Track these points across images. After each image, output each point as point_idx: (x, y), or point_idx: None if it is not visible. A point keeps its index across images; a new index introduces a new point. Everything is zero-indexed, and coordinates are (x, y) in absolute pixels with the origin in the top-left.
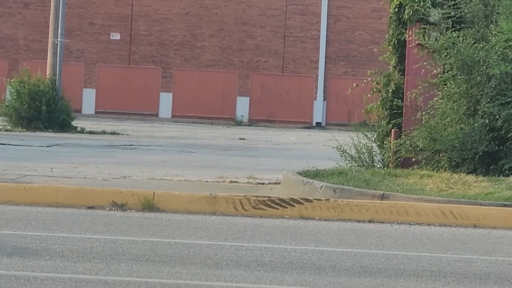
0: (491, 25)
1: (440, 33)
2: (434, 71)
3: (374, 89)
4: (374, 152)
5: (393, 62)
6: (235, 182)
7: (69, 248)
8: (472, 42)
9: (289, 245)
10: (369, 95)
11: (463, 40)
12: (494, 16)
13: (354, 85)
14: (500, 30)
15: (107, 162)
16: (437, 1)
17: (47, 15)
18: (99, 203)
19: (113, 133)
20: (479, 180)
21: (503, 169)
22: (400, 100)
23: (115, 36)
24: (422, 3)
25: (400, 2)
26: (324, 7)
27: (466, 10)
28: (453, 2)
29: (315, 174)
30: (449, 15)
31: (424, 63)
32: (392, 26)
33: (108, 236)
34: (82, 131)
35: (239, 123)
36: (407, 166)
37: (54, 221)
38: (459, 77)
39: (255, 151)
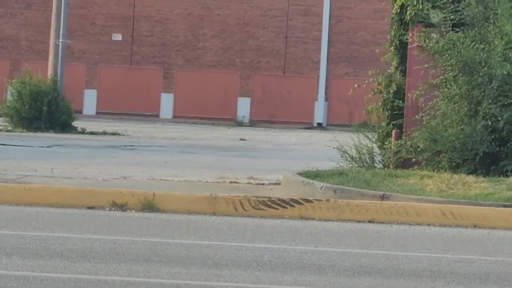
0: (491, 26)
1: (441, 35)
2: (433, 71)
3: (376, 90)
4: (374, 153)
5: (394, 63)
6: (235, 182)
7: (69, 248)
8: (473, 44)
9: (289, 245)
10: (370, 95)
11: (463, 41)
12: (492, 18)
13: (356, 85)
14: (501, 32)
15: (107, 163)
16: (436, 4)
17: (49, 15)
18: (99, 204)
19: (114, 134)
20: (479, 180)
21: (504, 170)
22: (401, 101)
23: (117, 36)
24: (421, 6)
25: (402, 3)
26: (326, 8)
27: (465, 13)
28: (452, 6)
29: (316, 175)
30: (449, 17)
31: (425, 65)
32: (394, 27)
33: (108, 236)
34: (83, 131)
35: (240, 124)
36: (407, 167)
37: (54, 221)
38: (460, 78)
39: (255, 151)
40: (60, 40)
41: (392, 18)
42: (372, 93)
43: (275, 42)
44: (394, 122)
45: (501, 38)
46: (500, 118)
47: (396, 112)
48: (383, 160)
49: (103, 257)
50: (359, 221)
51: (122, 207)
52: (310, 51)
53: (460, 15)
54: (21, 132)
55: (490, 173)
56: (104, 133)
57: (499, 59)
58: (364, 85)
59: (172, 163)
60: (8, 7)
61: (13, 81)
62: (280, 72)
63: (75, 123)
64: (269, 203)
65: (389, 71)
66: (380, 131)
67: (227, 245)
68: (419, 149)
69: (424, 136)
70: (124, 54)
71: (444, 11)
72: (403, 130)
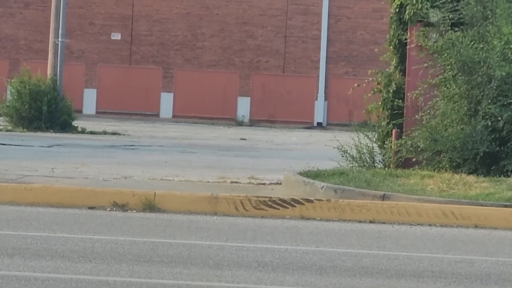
0: (490, 25)
1: (440, 35)
2: (432, 70)
3: (375, 89)
4: (375, 153)
5: (394, 62)
6: (236, 182)
7: (70, 249)
8: (472, 43)
9: (290, 246)
10: (369, 95)
11: (462, 40)
12: (491, 17)
13: (356, 85)
14: (500, 32)
15: (108, 163)
16: (435, 3)
17: (47, 15)
18: (100, 204)
19: (114, 133)
20: (480, 180)
21: (504, 170)
22: (401, 101)
23: (116, 36)
24: (420, 5)
25: (401, 2)
26: (325, 7)
27: (464, 12)
28: (451, 5)
29: (316, 175)
30: (448, 17)
31: (424, 65)
32: (393, 26)
33: (109, 236)
34: (83, 131)
35: (240, 124)
36: (408, 167)
37: (55, 222)
38: (460, 78)
39: (256, 151)
40: (59, 39)
41: (391, 18)
42: (372, 92)
43: (274, 41)
44: (394, 121)
45: (500, 38)
46: (500, 118)
47: (396, 111)
48: (383, 160)
49: (105, 257)
50: (360, 221)
51: (123, 207)
52: (309, 50)
53: (459, 14)
54: (21, 131)
55: (490, 173)
56: (104, 132)
57: (498, 59)
58: (364, 85)
59: (172, 162)
60: (7, 7)
61: (12, 80)
62: (280, 72)
63: (75, 123)
64: (270, 203)
65: (388, 70)
66: (380, 130)
67: (228, 246)
68: (419, 149)
69: (424, 135)
70: (123, 53)
71: (443, 10)
72: (403, 129)
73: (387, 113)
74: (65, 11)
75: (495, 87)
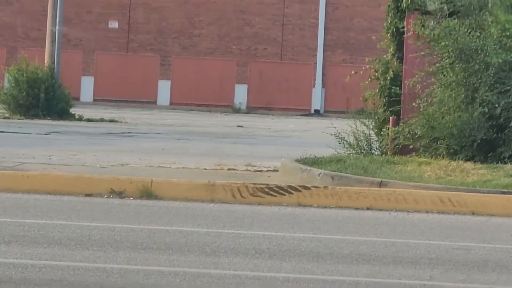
0: (487, 12)
1: (437, 23)
2: (429, 58)
3: (372, 77)
4: (372, 140)
5: (391, 50)
6: (233, 169)
7: (67, 236)
8: (469, 31)
9: (287, 233)
10: (366, 82)
11: (459, 28)
12: (488, 6)
13: (353, 72)
14: (496, 20)
15: (105, 150)
16: None
17: (45, 3)
18: (97, 191)
19: (111, 121)
20: (477, 167)
21: (502, 157)
22: (398, 88)
23: (113, 24)
24: None
25: None
26: None
27: (459, 3)
28: None
29: (313, 162)
30: (446, 5)
31: (421, 53)
32: (390, 14)
33: (106, 223)
34: (80, 118)
35: (237, 111)
36: (405, 154)
37: (52, 209)
38: (457, 66)
39: (253, 138)
40: (57, 27)
41: (389, 5)
42: (369, 79)
43: (272, 29)
44: (391, 109)
45: (496, 26)
46: (497, 105)
47: (393, 98)
48: (380, 147)
49: (102, 244)
50: (357, 208)
51: (120, 194)
52: (306, 38)
53: (454, 5)
54: (18, 119)
55: (487, 159)
56: (102, 120)
57: (495, 46)
58: (361, 72)
59: (169, 150)
60: None
61: (10, 68)
62: (277, 59)
63: (72, 110)
64: (267, 190)
65: (385, 56)
66: (377, 117)
67: (225, 233)
68: (416, 136)
69: (422, 122)
70: (121, 41)
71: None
72: (400, 116)
73: (384, 100)
74: None
75: (492, 75)
